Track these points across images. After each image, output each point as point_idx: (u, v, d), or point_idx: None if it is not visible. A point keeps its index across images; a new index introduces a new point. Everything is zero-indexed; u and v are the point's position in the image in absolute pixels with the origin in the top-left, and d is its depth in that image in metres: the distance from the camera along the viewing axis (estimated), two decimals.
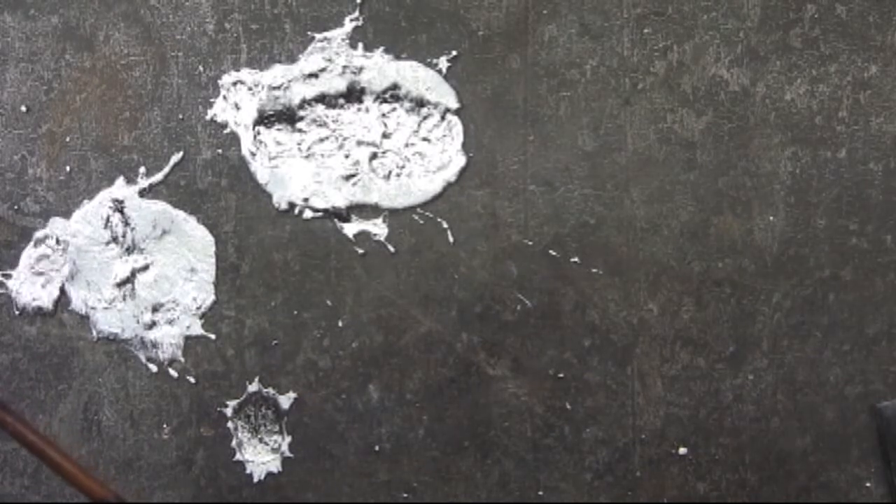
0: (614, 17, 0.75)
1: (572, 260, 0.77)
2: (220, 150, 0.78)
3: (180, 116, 0.78)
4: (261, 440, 0.80)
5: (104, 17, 0.77)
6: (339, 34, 0.76)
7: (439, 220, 0.77)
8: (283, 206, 0.78)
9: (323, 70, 0.77)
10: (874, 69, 0.75)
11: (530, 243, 0.77)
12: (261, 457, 0.80)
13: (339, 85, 0.77)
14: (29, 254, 0.79)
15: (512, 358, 0.78)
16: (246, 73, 0.77)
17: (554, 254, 0.77)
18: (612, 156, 0.76)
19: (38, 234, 0.79)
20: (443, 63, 0.76)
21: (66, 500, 0.80)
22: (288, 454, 0.79)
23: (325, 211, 0.78)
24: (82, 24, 0.78)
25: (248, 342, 0.79)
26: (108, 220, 0.79)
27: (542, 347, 0.77)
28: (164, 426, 0.80)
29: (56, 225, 0.79)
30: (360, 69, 0.76)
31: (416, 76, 0.76)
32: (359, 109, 0.77)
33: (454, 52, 0.76)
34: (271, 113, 0.77)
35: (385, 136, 0.77)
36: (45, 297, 0.79)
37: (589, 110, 0.76)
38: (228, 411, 0.79)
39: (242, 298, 0.79)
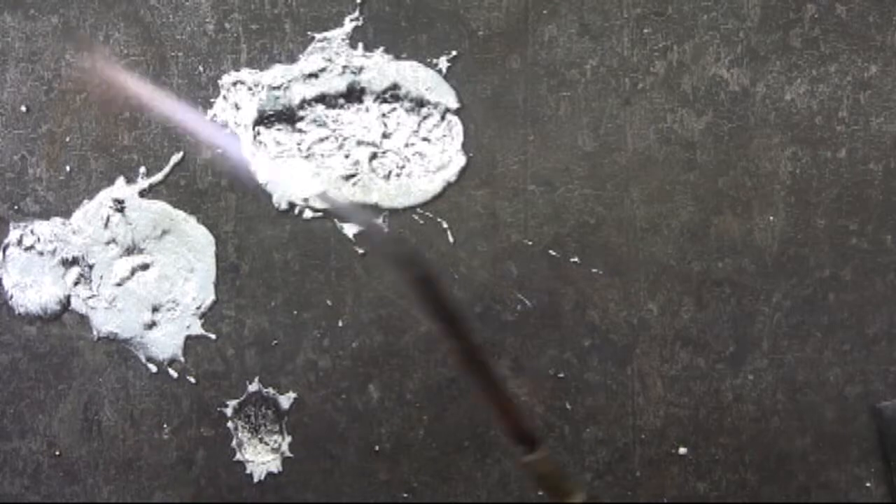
0: (614, 17, 0.75)
1: (572, 260, 0.77)
2: (220, 150, 0.78)
3: None
4: (261, 440, 0.80)
5: (104, 17, 0.77)
6: (339, 34, 0.76)
7: (439, 220, 0.77)
8: (283, 206, 0.78)
9: (323, 70, 0.77)
10: (874, 69, 0.75)
11: (530, 243, 0.77)
12: (261, 457, 0.80)
13: (339, 85, 0.77)
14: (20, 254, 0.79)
15: (512, 358, 0.78)
16: (246, 73, 0.77)
17: (554, 254, 0.77)
18: (612, 156, 0.76)
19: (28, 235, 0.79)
20: (443, 63, 0.76)
21: (66, 500, 0.80)
22: (288, 454, 0.79)
23: (326, 211, 0.78)
24: (82, 24, 0.78)
25: (248, 342, 0.79)
26: (108, 220, 0.79)
27: (542, 347, 0.77)
28: (164, 426, 0.80)
29: (55, 225, 0.79)
30: (360, 69, 0.76)
31: (416, 76, 0.76)
32: (359, 109, 0.77)
33: (454, 52, 0.76)
34: (271, 113, 0.77)
35: (385, 136, 0.77)
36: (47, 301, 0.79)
37: (589, 110, 0.76)
38: (228, 411, 0.79)
39: (242, 298, 0.79)
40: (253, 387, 0.79)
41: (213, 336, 0.79)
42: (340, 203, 0.44)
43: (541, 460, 0.43)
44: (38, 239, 0.79)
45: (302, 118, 0.78)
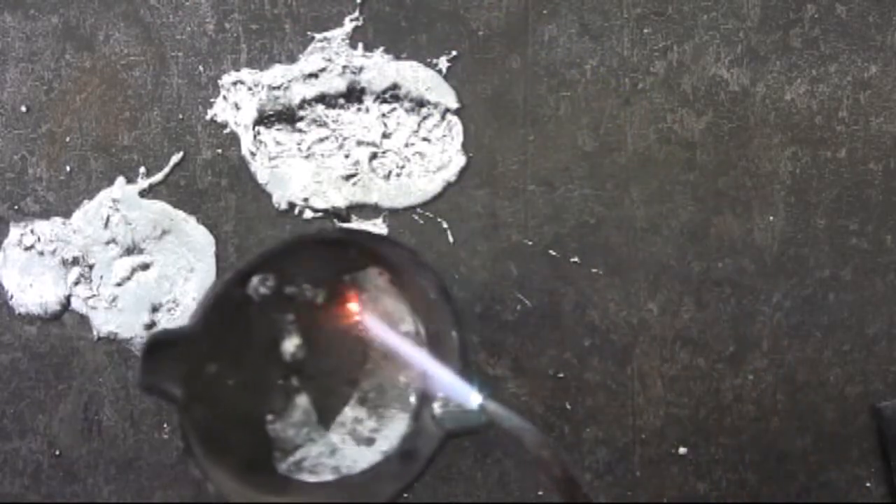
0: (614, 17, 0.75)
1: (572, 260, 0.77)
2: (220, 150, 0.78)
3: (180, 116, 0.78)
4: None
5: (104, 17, 0.77)
6: (339, 34, 0.76)
7: (439, 220, 0.77)
8: (283, 206, 0.78)
9: (323, 70, 0.77)
10: (874, 69, 0.75)
11: (530, 243, 0.77)
12: None
13: (339, 85, 0.77)
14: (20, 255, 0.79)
15: (512, 358, 0.78)
16: (246, 73, 0.77)
17: (554, 254, 0.77)
18: (612, 156, 0.76)
19: (28, 235, 0.79)
20: (443, 63, 0.76)
21: (66, 500, 0.80)
22: None
23: (325, 211, 0.78)
24: (82, 24, 0.78)
25: None
26: (108, 220, 0.79)
27: (542, 347, 0.77)
28: (164, 426, 0.80)
29: (55, 225, 0.79)
30: (360, 69, 0.76)
31: (416, 76, 0.76)
32: (359, 109, 0.77)
33: (454, 52, 0.76)
34: (271, 113, 0.77)
35: (385, 136, 0.77)
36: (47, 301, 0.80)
37: (589, 110, 0.76)
38: None
39: None
40: None
41: None
42: (503, 413, 0.47)
43: None
44: (39, 239, 0.79)
45: (302, 118, 0.78)
